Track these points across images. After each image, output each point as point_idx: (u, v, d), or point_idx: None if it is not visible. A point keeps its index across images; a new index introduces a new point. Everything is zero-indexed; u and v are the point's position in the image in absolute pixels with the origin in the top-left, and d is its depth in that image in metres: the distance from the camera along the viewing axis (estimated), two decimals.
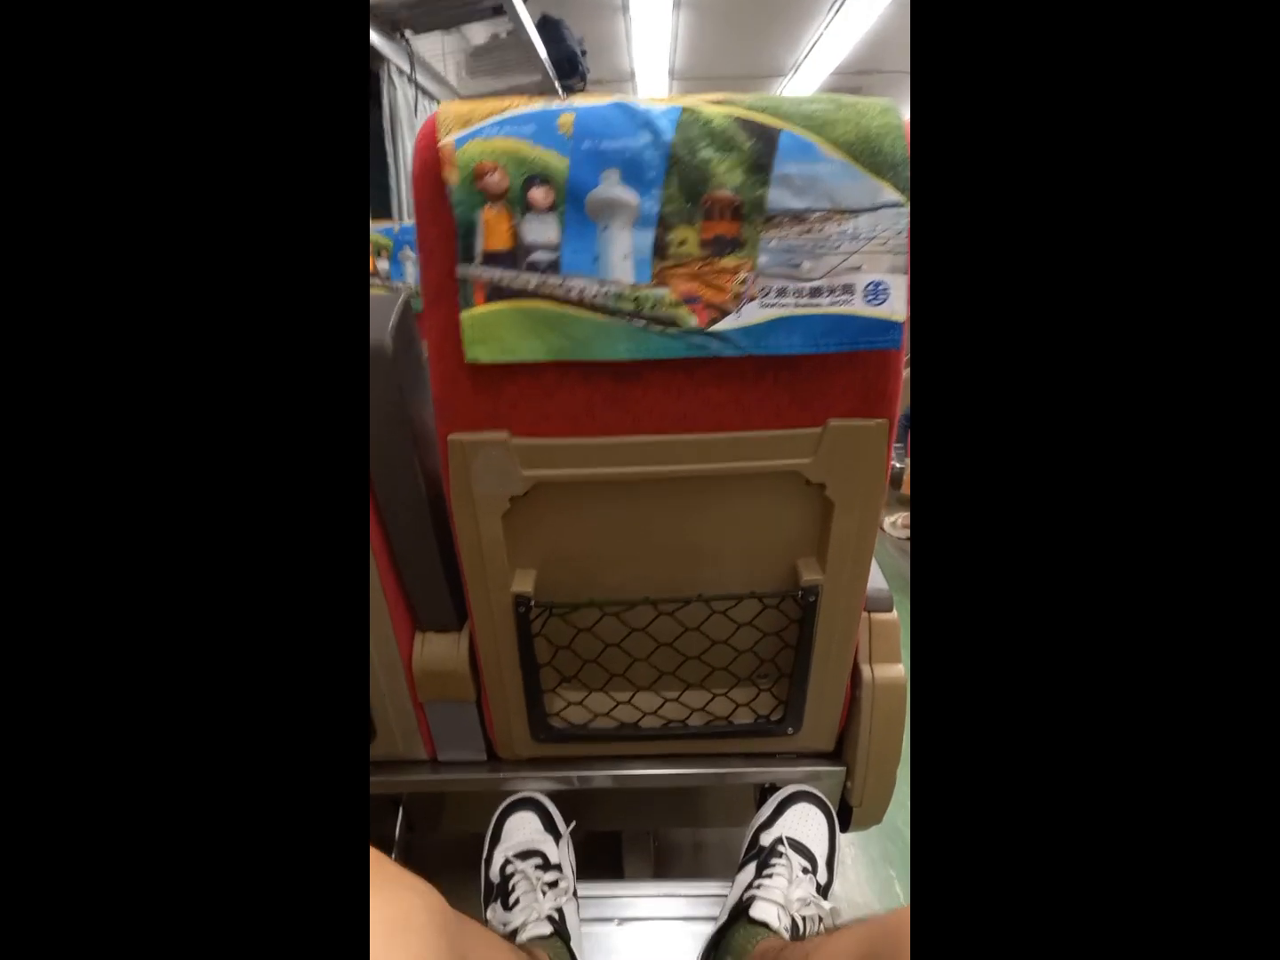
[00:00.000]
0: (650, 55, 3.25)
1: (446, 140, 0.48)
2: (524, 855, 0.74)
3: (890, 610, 0.73)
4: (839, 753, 0.79)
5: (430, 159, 0.49)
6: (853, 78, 3.56)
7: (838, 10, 2.95)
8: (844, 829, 0.78)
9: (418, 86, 2.16)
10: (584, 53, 2.77)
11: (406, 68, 2.08)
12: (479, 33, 2.45)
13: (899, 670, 0.72)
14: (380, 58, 1.95)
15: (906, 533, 2.22)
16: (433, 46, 2.28)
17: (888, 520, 2.30)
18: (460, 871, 0.79)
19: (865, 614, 0.72)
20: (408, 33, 2.06)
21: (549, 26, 2.55)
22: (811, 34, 3.21)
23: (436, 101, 2.35)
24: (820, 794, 0.76)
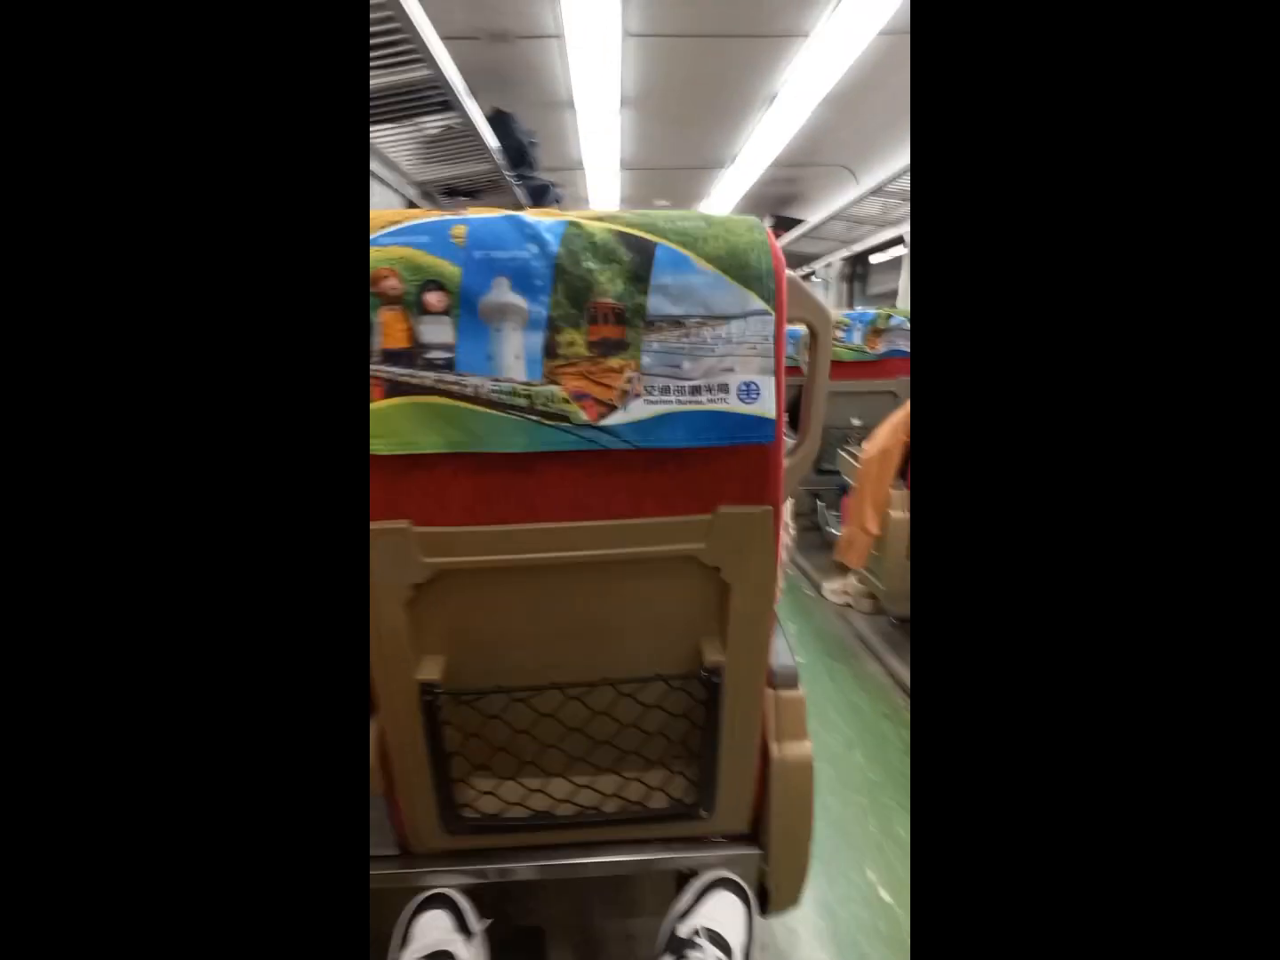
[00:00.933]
0: (598, 148, 3.44)
1: None
2: (432, 958, 0.71)
3: (795, 687, 0.74)
4: (756, 835, 0.78)
5: None
6: (788, 169, 3.80)
7: (769, 106, 3.17)
8: (762, 912, 0.77)
9: (371, 173, 2.24)
10: (534, 144, 2.91)
11: None
12: (433, 124, 2.56)
13: (806, 747, 0.73)
14: None
15: (846, 598, 2.25)
16: (386, 135, 2.37)
17: (827, 586, 2.33)
18: None
19: (772, 691, 0.73)
20: None
21: (500, 120, 2.68)
22: (747, 130, 3.44)
23: (389, 187, 2.43)
24: (739, 880, 0.75)
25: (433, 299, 0.52)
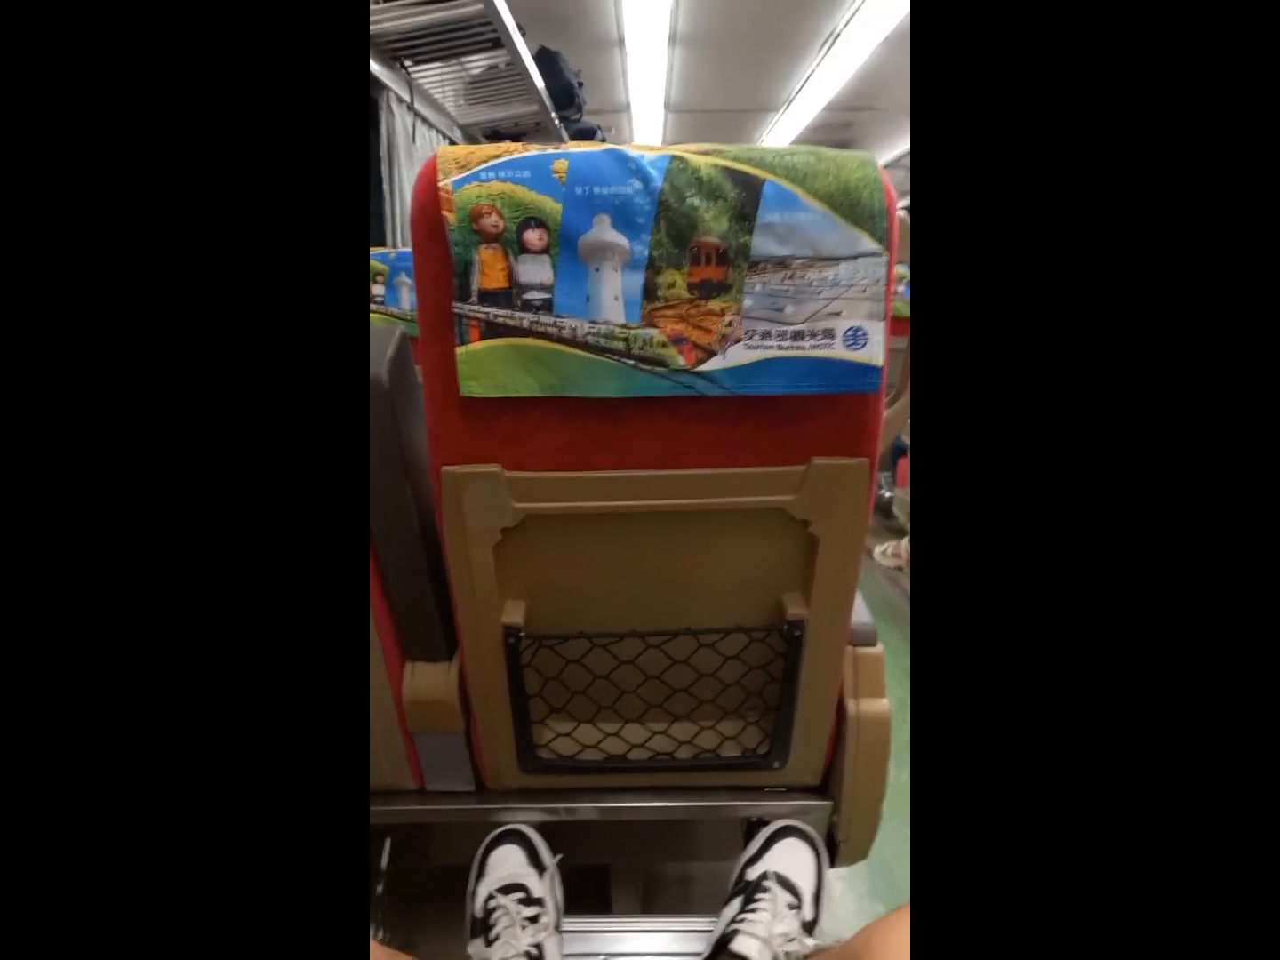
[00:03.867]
0: (646, 88, 3.33)
1: (445, 183, 0.50)
2: (507, 889, 0.73)
3: (875, 645, 0.74)
4: (825, 787, 0.79)
5: (429, 200, 0.50)
6: (844, 113, 3.65)
7: (829, 48, 3.03)
8: (831, 864, 0.78)
9: (416, 114, 2.20)
10: (581, 85, 2.82)
11: (406, 96, 2.11)
12: (478, 63, 2.49)
13: (883, 705, 0.73)
14: (380, 86, 1.99)
15: (897, 561, 2.23)
16: (431, 76, 2.32)
17: (877, 549, 2.31)
18: (447, 904, 0.78)
19: (850, 648, 0.73)
20: (408, 63, 2.10)
21: (547, 59, 2.60)
22: (804, 71, 3.29)
23: (434, 129, 2.39)
24: (809, 829, 0.76)
25: (533, 237, 0.50)
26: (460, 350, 0.52)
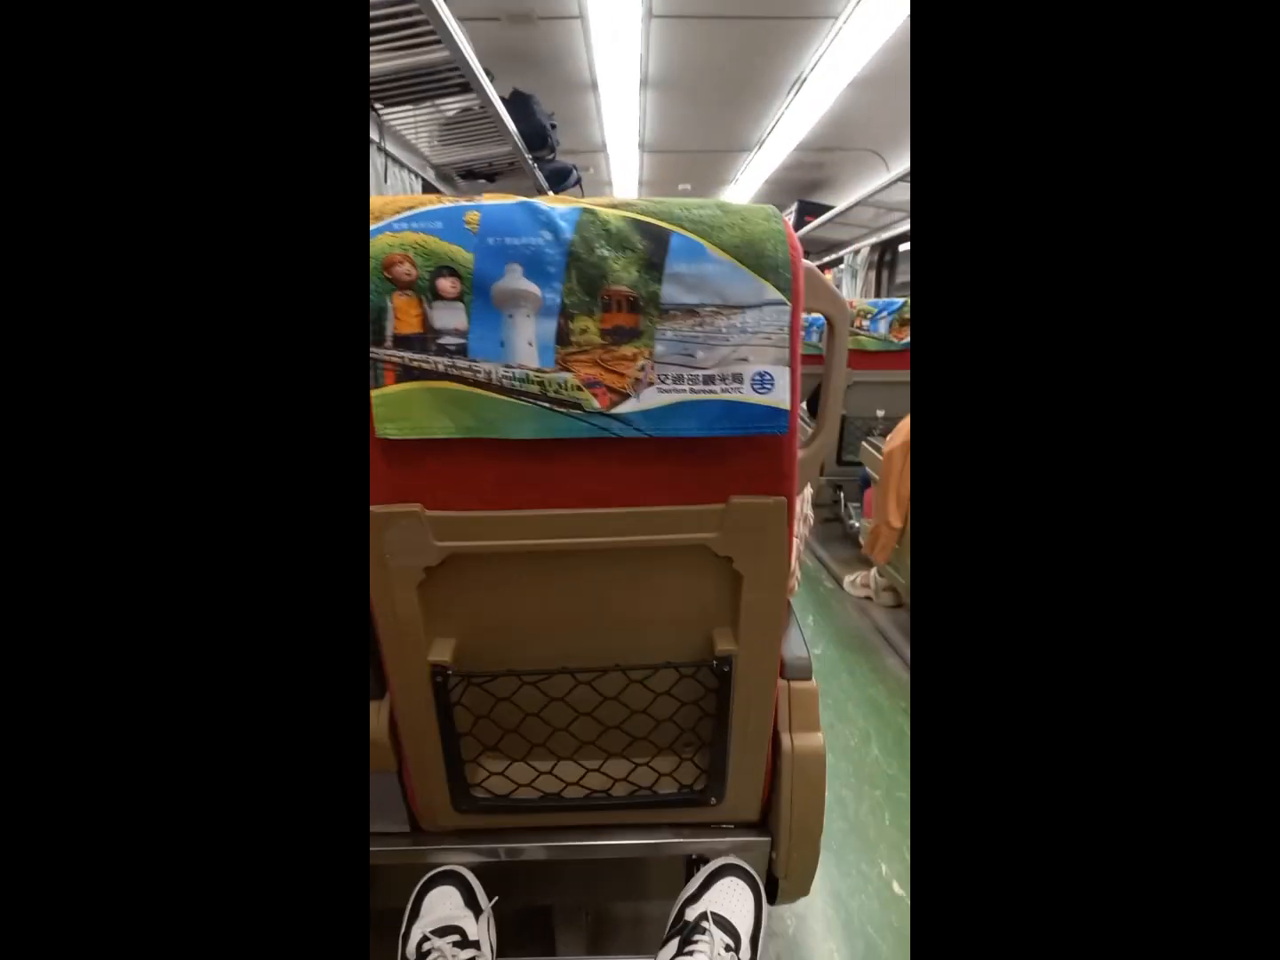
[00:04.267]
0: (620, 130, 3.40)
1: None
2: (441, 932, 0.72)
3: (809, 679, 0.74)
4: (764, 823, 0.79)
5: None
6: (815, 154, 3.74)
7: (797, 91, 3.12)
8: (770, 901, 0.77)
9: (388, 155, 2.24)
10: (554, 126, 2.88)
11: (376, 137, 2.15)
12: (452, 105, 2.55)
13: (818, 739, 0.73)
14: None
15: (866, 591, 2.24)
16: (405, 118, 2.36)
17: (847, 579, 2.32)
18: (381, 948, 0.76)
19: (784, 682, 0.73)
20: (378, 105, 2.15)
21: (519, 102, 2.66)
22: (774, 113, 3.39)
23: (406, 169, 2.43)
24: (749, 867, 0.76)
25: (446, 285, 0.52)
26: (375, 393, 0.53)
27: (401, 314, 0.52)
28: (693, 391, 0.54)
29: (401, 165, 2.34)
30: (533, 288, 0.52)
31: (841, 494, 2.66)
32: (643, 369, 0.54)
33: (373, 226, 0.51)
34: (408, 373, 0.53)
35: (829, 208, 4.14)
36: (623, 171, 4.23)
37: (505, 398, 0.54)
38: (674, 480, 0.59)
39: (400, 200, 0.52)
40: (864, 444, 2.20)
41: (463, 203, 0.52)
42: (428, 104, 2.34)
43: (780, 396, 0.54)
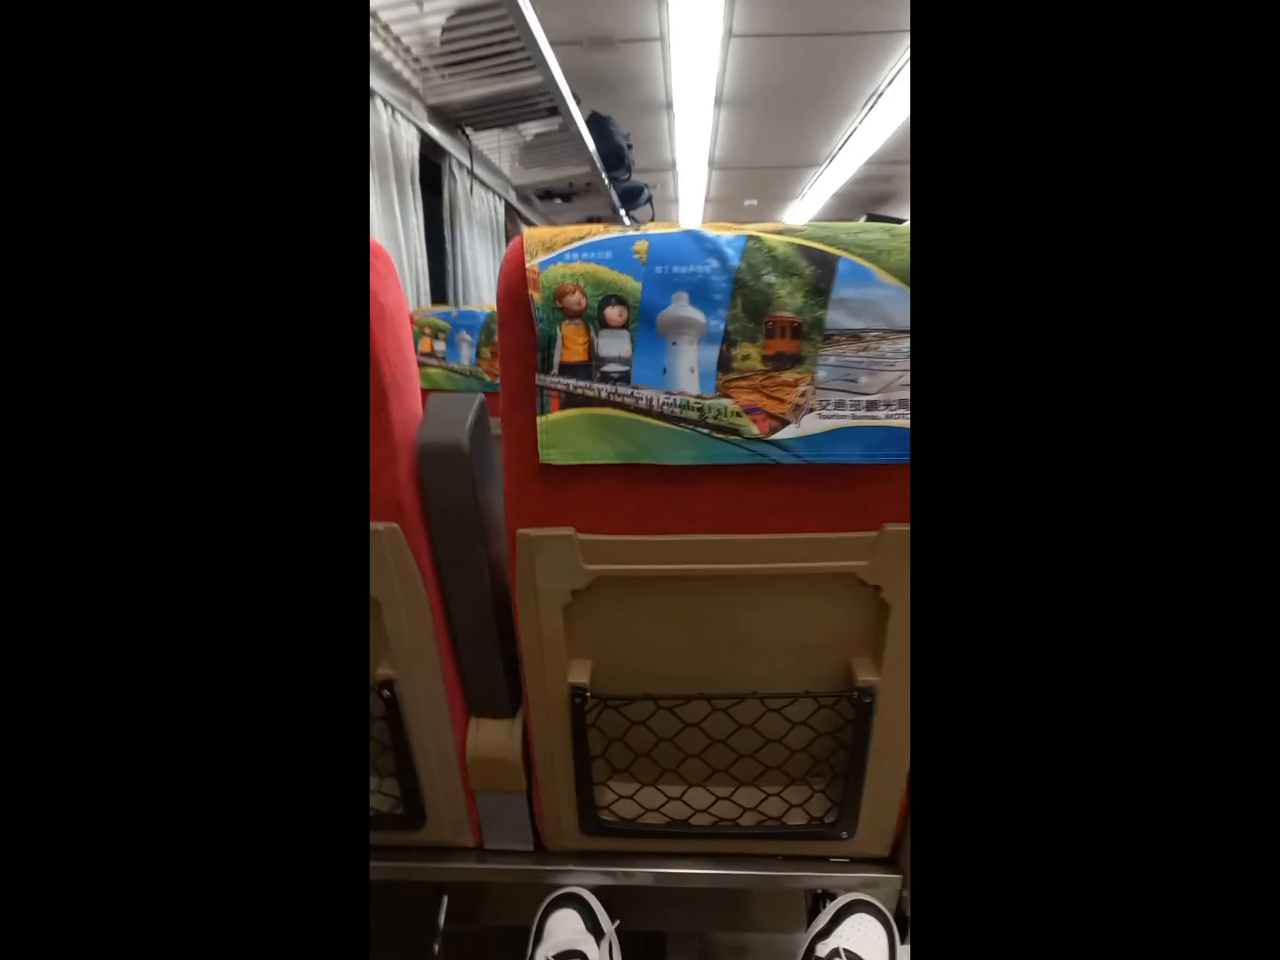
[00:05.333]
0: (691, 148, 3.43)
1: (531, 263, 0.52)
2: (565, 956, 0.72)
3: None
4: (894, 859, 0.76)
5: (516, 280, 0.53)
6: (885, 167, 3.70)
7: (872, 106, 3.09)
8: (902, 940, 0.75)
9: (474, 177, 2.31)
10: (630, 146, 2.93)
11: (466, 161, 2.22)
12: (532, 127, 2.62)
13: None
14: (442, 152, 2.10)
15: None
16: (489, 140, 2.44)
17: None
18: None
19: None
20: (468, 130, 2.22)
21: (598, 123, 2.71)
22: (846, 128, 3.36)
23: (490, 190, 2.50)
24: (880, 905, 0.74)
25: (613, 313, 0.52)
26: (541, 420, 0.54)
27: (569, 342, 0.53)
28: (855, 417, 0.54)
29: (487, 187, 2.40)
30: (698, 315, 0.52)
31: None
32: (804, 394, 0.53)
33: (545, 257, 0.52)
34: (572, 400, 0.54)
35: (898, 220, 4.08)
36: (689, 188, 4.26)
37: (664, 424, 0.54)
38: (824, 507, 0.58)
39: (570, 231, 0.53)
40: None
41: (631, 233, 0.53)
42: (512, 128, 2.41)
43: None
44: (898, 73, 2.76)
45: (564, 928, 0.75)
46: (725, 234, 0.53)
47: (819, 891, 0.77)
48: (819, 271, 0.51)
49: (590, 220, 3.36)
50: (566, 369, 0.54)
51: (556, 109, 2.07)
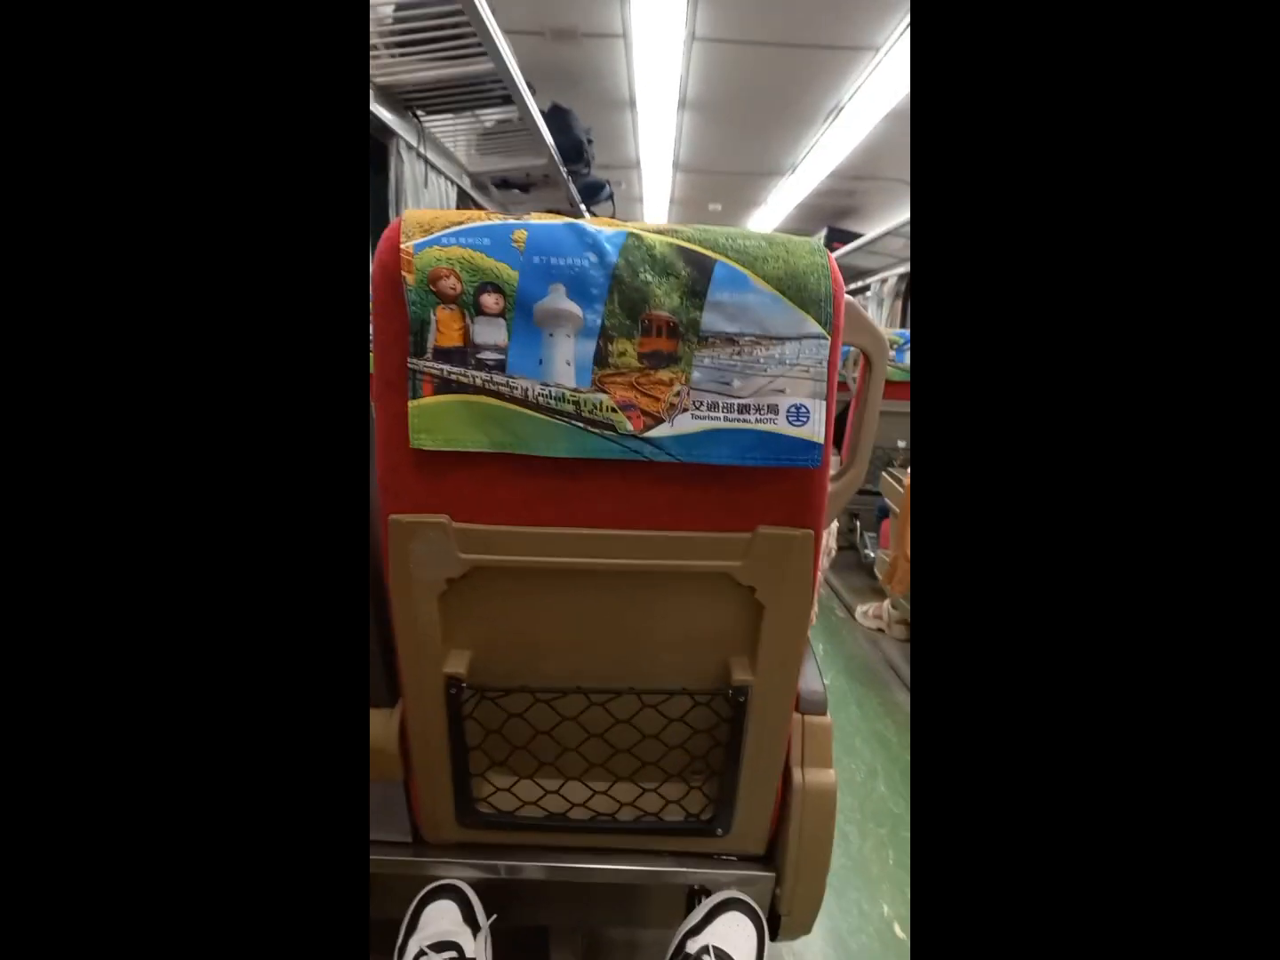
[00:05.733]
0: (655, 148, 3.44)
1: (406, 245, 0.52)
2: (439, 947, 0.71)
3: (824, 713, 0.73)
4: (770, 857, 0.78)
5: (390, 260, 0.52)
6: (848, 181, 3.76)
7: (834, 119, 3.14)
8: (772, 937, 0.76)
9: (427, 162, 2.27)
10: (590, 141, 2.92)
11: (415, 143, 2.19)
12: (492, 116, 2.58)
13: (830, 775, 0.72)
14: (390, 132, 2.06)
15: (878, 623, 2.22)
16: (444, 126, 2.40)
17: (859, 610, 2.30)
18: (376, 958, 0.76)
19: (798, 716, 0.72)
20: (420, 112, 2.18)
21: (558, 116, 2.70)
22: (809, 139, 3.41)
23: (444, 176, 2.46)
24: (752, 902, 0.74)
25: (489, 301, 0.52)
26: (413, 404, 0.54)
27: (444, 327, 0.52)
28: (727, 420, 0.54)
29: (439, 173, 2.37)
30: (575, 308, 0.52)
31: (858, 523, 2.65)
32: (678, 394, 0.54)
33: (421, 240, 0.51)
34: (446, 385, 0.54)
35: (858, 235, 4.15)
36: (654, 189, 4.27)
37: (540, 415, 0.54)
38: (701, 506, 0.59)
39: (449, 215, 0.53)
40: (884, 474, 2.18)
41: (510, 221, 0.52)
42: (468, 114, 2.37)
43: (815, 430, 0.53)
44: (858, 89, 2.81)
45: (441, 919, 0.74)
46: (606, 229, 0.53)
47: (696, 888, 0.77)
48: (695, 273, 0.52)
49: (550, 212, 3.33)
50: (441, 354, 0.53)
51: (510, 97, 2.05)
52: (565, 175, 2.87)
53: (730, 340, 0.53)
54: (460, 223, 0.52)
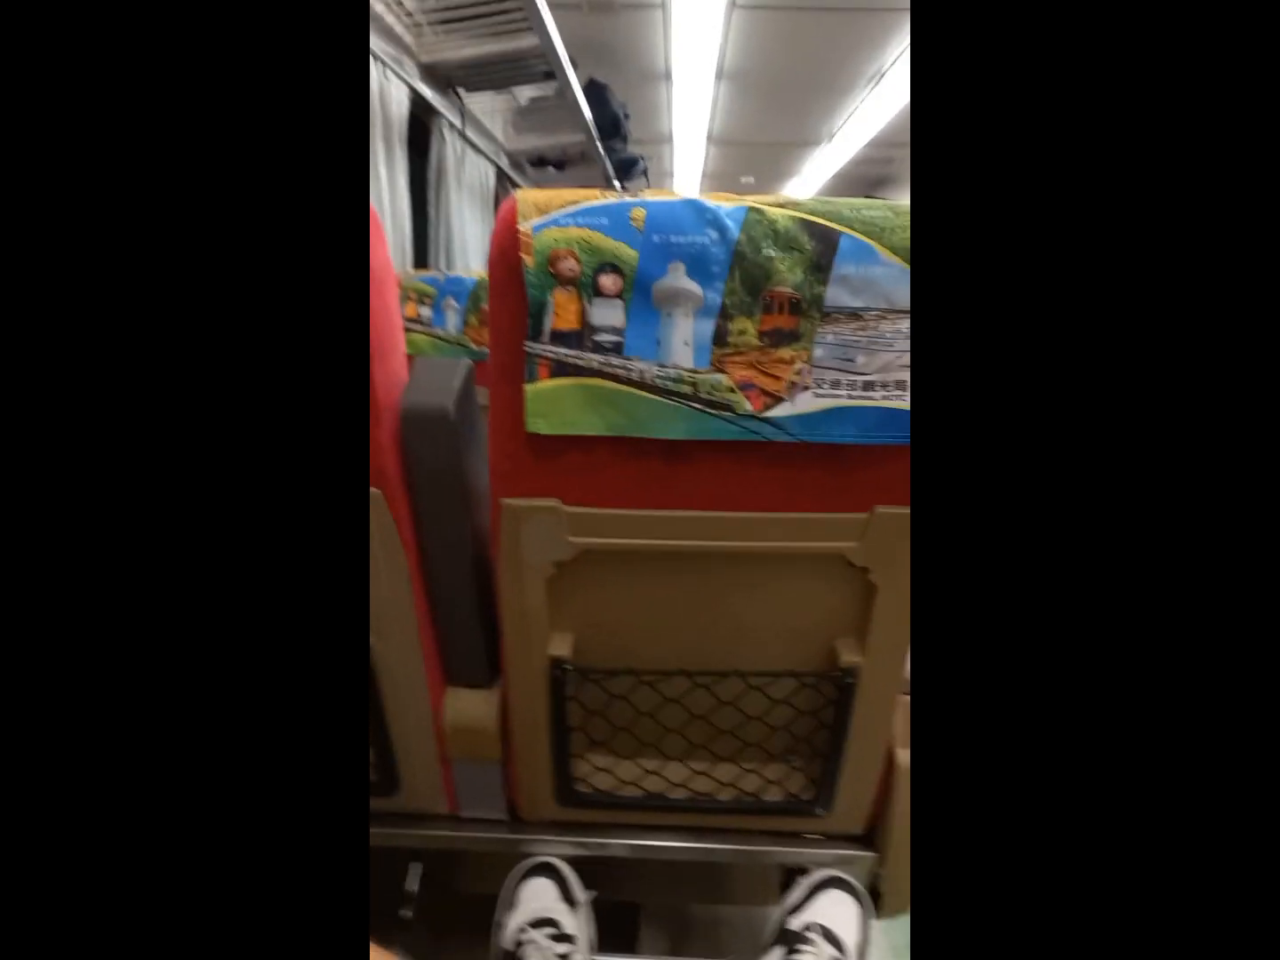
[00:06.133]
0: (689, 121, 3.38)
1: (524, 226, 0.51)
2: (538, 924, 0.73)
3: None
4: (869, 837, 0.77)
5: (508, 243, 0.51)
6: (886, 149, 3.67)
7: (875, 86, 3.06)
8: (874, 915, 0.76)
9: (466, 140, 2.25)
10: (627, 116, 2.88)
11: (457, 122, 2.17)
12: (527, 92, 2.56)
13: None
14: (433, 112, 2.05)
15: None
16: (483, 103, 2.38)
17: None
18: (474, 933, 0.77)
19: (902, 697, 0.71)
20: (461, 90, 2.16)
21: (595, 90, 2.66)
22: (848, 107, 3.32)
23: (481, 154, 2.44)
24: (854, 881, 0.75)
25: (607, 282, 0.51)
26: (529, 388, 0.53)
27: (561, 310, 0.52)
28: (850, 398, 0.53)
29: (479, 151, 2.35)
30: (694, 287, 0.51)
31: None
32: (799, 372, 0.53)
33: (539, 221, 0.50)
34: (562, 369, 0.53)
35: None
36: (686, 163, 4.20)
37: (657, 397, 0.53)
38: (815, 487, 0.58)
39: (564, 194, 0.52)
40: None
41: (628, 199, 0.51)
42: (506, 91, 2.35)
43: None
44: (902, 53, 2.72)
45: (539, 896, 0.76)
46: (726, 205, 0.51)
47: (792, 867, 0.77)
48: (820, 247, 0.50)
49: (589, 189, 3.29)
50: (557, 337, 0.52)
51: (552, 73, 2.02)
52: (601, 151, 2.84)
53: (855, 315, 0.51)
54: (577, 202, 0.51)
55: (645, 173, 3.31)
